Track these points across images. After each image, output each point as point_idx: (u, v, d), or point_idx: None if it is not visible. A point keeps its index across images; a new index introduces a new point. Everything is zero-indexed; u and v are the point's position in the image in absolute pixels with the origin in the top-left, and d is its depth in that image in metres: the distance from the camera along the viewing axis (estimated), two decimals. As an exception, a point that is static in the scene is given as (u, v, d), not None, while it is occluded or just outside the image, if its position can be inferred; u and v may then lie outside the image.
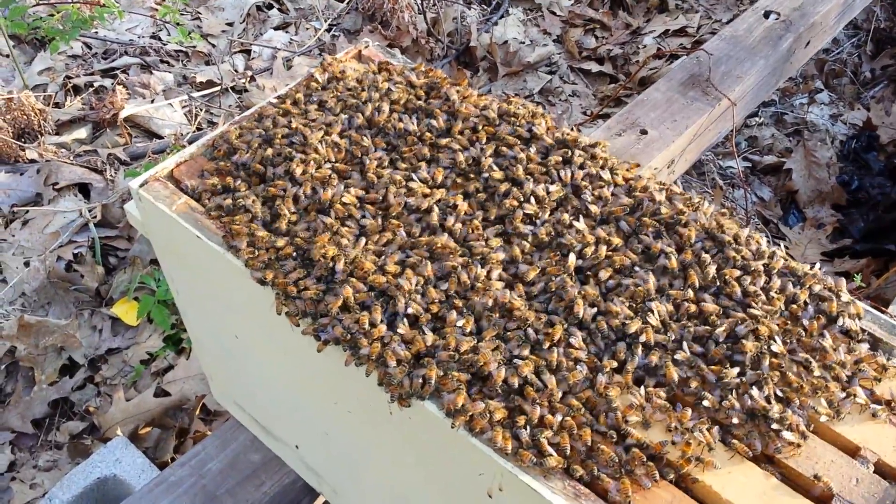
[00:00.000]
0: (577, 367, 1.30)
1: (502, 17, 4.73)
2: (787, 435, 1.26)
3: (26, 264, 3.35)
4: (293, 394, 1.75)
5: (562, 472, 1.21)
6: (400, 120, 1.63)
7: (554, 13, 4.82)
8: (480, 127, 1.62)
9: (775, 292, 1.41)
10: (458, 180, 1.56)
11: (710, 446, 1.24)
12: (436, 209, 1.49)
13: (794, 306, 1.40)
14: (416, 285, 1.37)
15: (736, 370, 1.31)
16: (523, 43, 4.56)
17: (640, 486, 1.20)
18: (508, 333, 1.34)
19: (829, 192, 3.85)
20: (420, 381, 1.28)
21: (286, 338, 1.48)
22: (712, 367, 1.32)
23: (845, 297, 1.44)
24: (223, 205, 1.51)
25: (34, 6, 4.07)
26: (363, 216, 1.48)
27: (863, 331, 1.42)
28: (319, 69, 1.73)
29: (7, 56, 4.13)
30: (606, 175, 1.56)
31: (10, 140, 3.66)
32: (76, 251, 3.40)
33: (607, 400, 1.26)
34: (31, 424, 3.01)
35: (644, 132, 2.80)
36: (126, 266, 3.39)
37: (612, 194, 1.54)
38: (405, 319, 1.35)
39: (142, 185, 1.57)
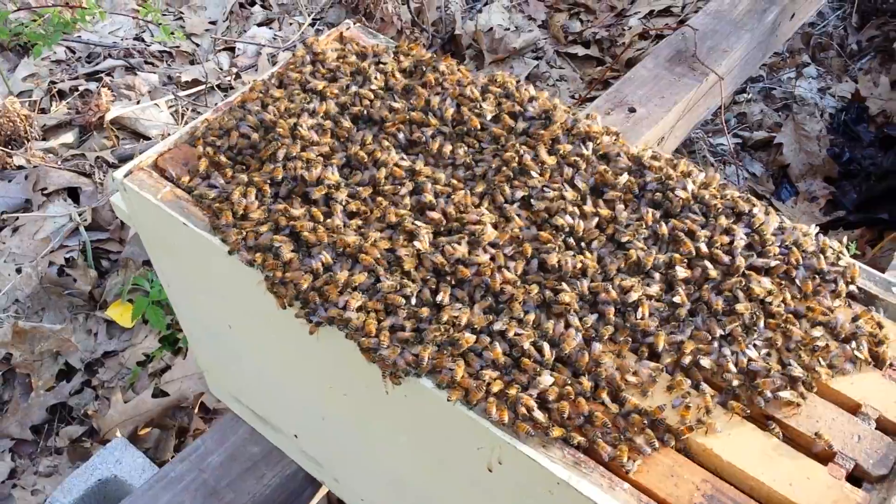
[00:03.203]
0: (575, 336, 1.29)
1: (486, 4, 4.72)
2: (785, 394, 1.25)
3: (18, 271, 3.33)
4: (289, 381, 1.74)
5: (561, 441, 1.20)
6: (383, 99, 1.62)
7: (538, -2, 4.80)
8: (466, 102, 1.61)
9: (770, 254, 1.40)
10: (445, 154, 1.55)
11: (708, 409, 1.23)
12: (428, 186, 1.47)
13: (789, 267, 1.39)
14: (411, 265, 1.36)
15: (732, 330, 1.31)
16: (508, 29, 4.54)
17: (639, 452, 1.19)
18: (501, 306, 1.33)
19: (821, 165, 3.84)
20: (412, 358, 1.27)
21: (278, 323, 1.47)
22: (708, 329, 1.31)
23: (845, 259, 1.43)
24: (209, 191, 1.49)
25: (15, 11, 4.04)
26: (350, 195, 1.47)
27: (859, 289, 1.42)
28: (302, 51, 1.71)
29: (-10, 64, 4.11)
30: (596, 145, 1.55)
31: (-4, 147, 3.64)
32: (68, 256, 3.38)
33: (602, 366, 1.25)
34: (30, 431, 2.99)
35: (632, 110, 2.79)
36: (119, 268, 3.37)
37: (602, 164, 1.53)
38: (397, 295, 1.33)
39: (126, 176, 1.55)
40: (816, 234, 1.46)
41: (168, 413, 3.00)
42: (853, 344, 1.31)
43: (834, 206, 3.75)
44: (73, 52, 4.33)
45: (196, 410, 2.98)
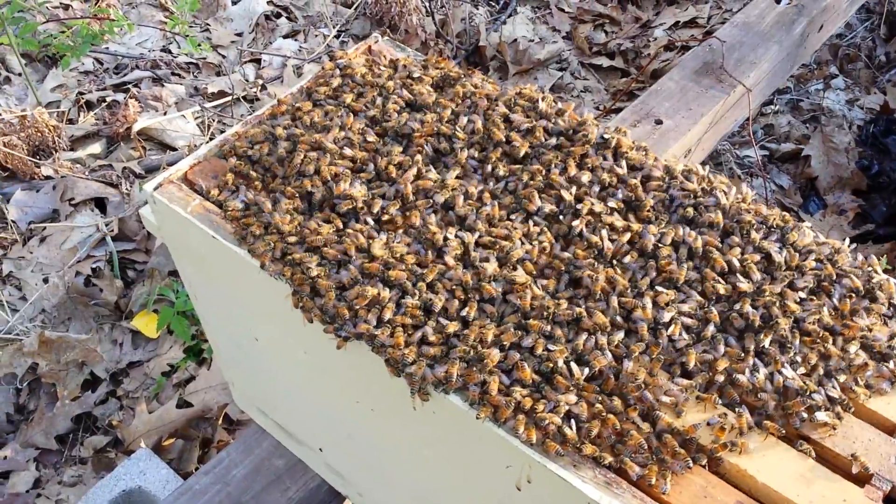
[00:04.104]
0: (603, 353, 1.27)
1: (510, 15, 4.72)
2: (821, 415, 1.23)
3: (45, 281, 3.36)
4: (315, 395, 1.73)
5: (591, 461, 1.19)
6: (412, 112, 1.61)
7: (562, 10, 4.79)
8: (494, 116, 1.60)
9: (805, 269, 1.37)
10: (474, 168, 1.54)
11: (741, 431, 1.21)
12: (460, 200, 1.46)
13: (825, 284, 1.37)
14: (436, 278, 1.35)
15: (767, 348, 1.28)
16: (532, 41, 4.54)
17: (671, 472, 1.17)
18: (529, 322, 1.31)
19: (850, 178, 3.80)
20: (442, 374, 1.26)
21: (306, 337, 1.46)
22: (743, 346, 1.29)
23: (878, 275, 1.40)
24: (238, 205, 1.49)
25: (44, 23, 4.09)
26: (378, 209, 1.46)
27: (894, 307, 1.39)
28: (329, 65, 1.71)
29: (19, 74, 4.15)
30: (626, 159, 1.54)
31: (25, 157, 3.67)
32: (94, 266, 3.40)
33: (633, 384, 1.23)
34: (55, 440, 3.01)
35: (659, 122, 2.76)
36: (144, 279, 3.39)
37: (633, 179, 1.51)
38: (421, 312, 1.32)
39: (156, 189, 1.55)
40: (852, 251, 1.43)
41: (192, 424, 3.00)
42: (892, 363, 1.28)
43: (863, 219, 3.70)
44: (101, 64, 4.37)
45: (220, 422, 2.99)
